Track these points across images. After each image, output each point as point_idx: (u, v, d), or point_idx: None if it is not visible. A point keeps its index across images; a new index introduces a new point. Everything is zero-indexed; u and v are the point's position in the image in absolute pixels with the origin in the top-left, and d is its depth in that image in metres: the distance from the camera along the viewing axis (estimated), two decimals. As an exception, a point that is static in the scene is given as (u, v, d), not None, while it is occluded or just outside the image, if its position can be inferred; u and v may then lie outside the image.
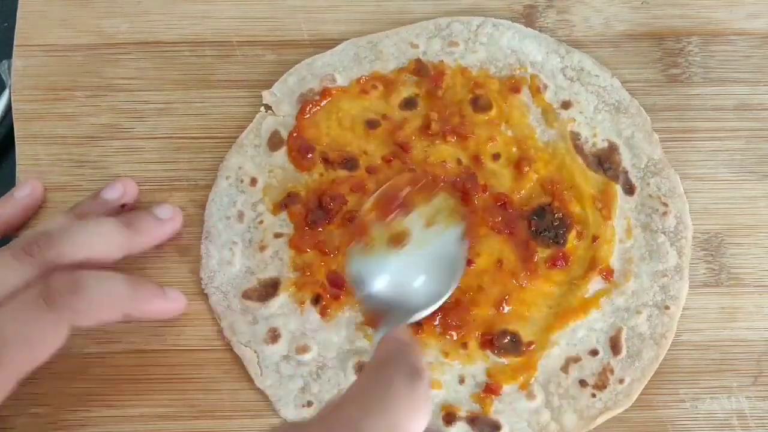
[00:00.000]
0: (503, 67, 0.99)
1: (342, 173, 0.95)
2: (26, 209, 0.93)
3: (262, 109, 0.98)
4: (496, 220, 0.93)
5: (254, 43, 1.01)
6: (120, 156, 0.97)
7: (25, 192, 0.93)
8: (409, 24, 1.01)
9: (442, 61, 0.99)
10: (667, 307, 0.90)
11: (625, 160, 0.95)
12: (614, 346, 0.89)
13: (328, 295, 0.91)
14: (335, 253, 0.92)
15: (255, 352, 0.89)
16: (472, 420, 0.87)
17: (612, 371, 0.88)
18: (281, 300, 0.91)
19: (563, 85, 0.98)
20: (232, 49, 1.01)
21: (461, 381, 0.88)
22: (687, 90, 0.99)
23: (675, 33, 1.01)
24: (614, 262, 0.92)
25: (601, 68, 0.99)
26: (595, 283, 0.91)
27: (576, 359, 0.89)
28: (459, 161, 0.95)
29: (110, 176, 0.96)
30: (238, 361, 0.90)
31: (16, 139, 0.98)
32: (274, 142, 0.97)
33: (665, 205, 0.93)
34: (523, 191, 0.94)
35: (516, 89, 0.98)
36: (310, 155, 0.95)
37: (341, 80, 0.99)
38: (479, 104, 0.97)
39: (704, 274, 0.93)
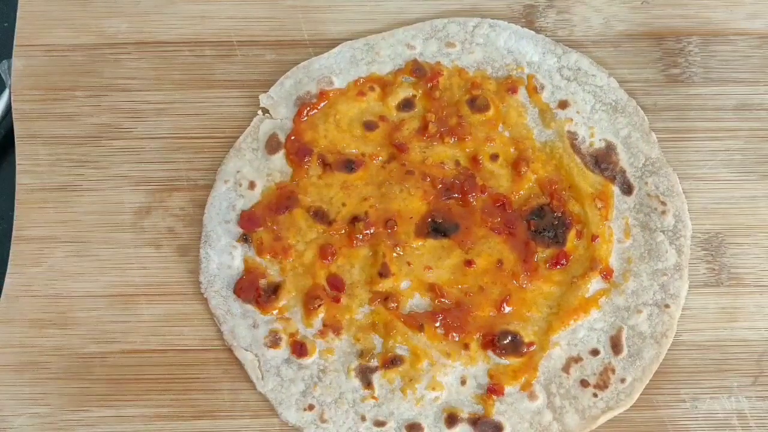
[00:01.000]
0: (500, 67, 0.99)
1: (340, 175, 0.95)
2: None
3: (260, 112, 0.98)
4: (496, 220, 0.93)
5: (254, 43, 1.01)
6: (120, 156, 0.97)
7: None
8: (410, 24, 1.01)
9: (438, 62, 0.99)
10: (667, 306, 0.90)
11: (623, 159, 0.95)
12: (615, 345, 0.89)
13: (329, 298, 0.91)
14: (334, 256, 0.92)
15: (256, 356, 0.89)
16: (474, 421, 0.87)
17: (613, 371, 0.88)
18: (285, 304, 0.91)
19: (560, 85, 0.98)
20: (232, 49, 1.01)
21: (463, 382, 0.88)
22: (687, 90, 0.99)
23: (675, 33, 1.01)
24: (613, 261, 0.92)
25: (598, 68, 0.99)
26: (595, 283, 0.91)
27: (577, 359, 0.89)
28: (457, 162, 0.95)
29: (110, 176, 0.96)
30: (238, 361, 0.90)
31: (16, 139, 0.97)
32: (272, 145, 0.96)
33: (664, 204, 0.93)
34: (522, 191, 0.94)
35: (513, 89, 0.98)
36: (307, 158, 0.95)
37: (338, 82, 0.99)
38: (476, 105, 0.97)
39: (704, 274, 0.93)
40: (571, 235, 0.93)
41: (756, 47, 1.01)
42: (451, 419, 0.87)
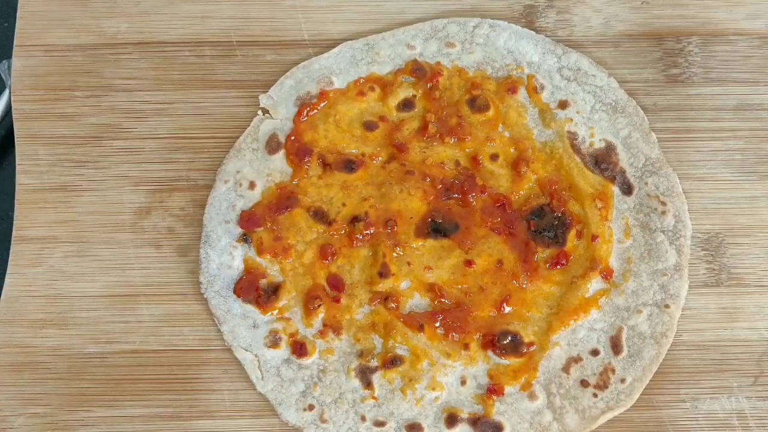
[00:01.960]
0: (500, 67, 0.99)
1: (340, 175, 0.95)
2: None
3: (260, 112, 0.98)
4: (496, 220, 0.93)
5: (254, 43, 1.01)
6: (120, 156, 0.97)
7: None
8: (410, 24, 1.01)
9: (438, 62, 0.99)
10: (667, 306, 0.90)
11: (623, 159, 0.95)
12: (615, 345, 0.89)
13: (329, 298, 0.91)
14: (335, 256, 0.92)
15: (256, 356, 0.89)
16: (474, 421, 0.87)
17: (613, 371, 0.88)
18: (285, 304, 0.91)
19: (560, 85, 0.98)
20: (232, 49, 1.01)
21: (463, 382, 0.88)
22: (687, 90, 0.99)
23: (675, 33, 1.01)
24: (613, 261, 0.92)
25: (598, 68, 0.99)
26: (595, 283, 0.91)
27: (577, 359, 0.89)
28: (457, 162, 0.95)
29: (110, 176, 0.96)
30: (238, 361, 0.90)
31: (16, 139, 0.98)
32: (272, 145, 0.96)
33: (664, 204, 0.93)
34: (522, 191, 0.94)
35: (513, 90, 0.98)
36: (307, 158, 0.95)
37: (338, 83, 0.99)
38: (476, 105, 0.97)
39: (704, 274, 0.93)
40: (571, 235, 0.93)
41: (756, 47, 1.01)
42: (451, 419, 0.87)
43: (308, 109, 0.97)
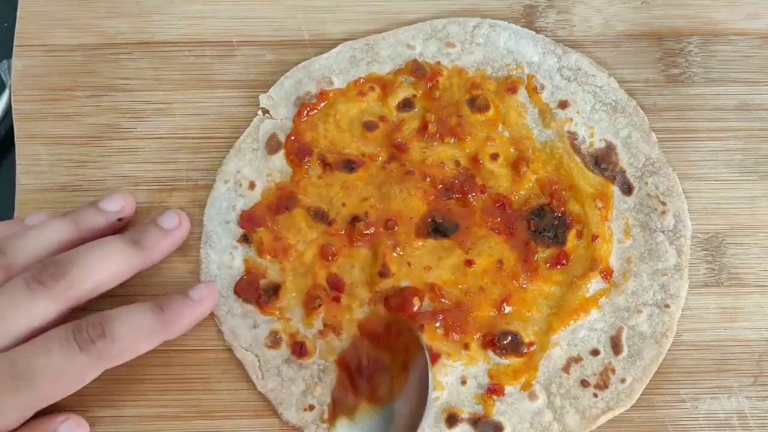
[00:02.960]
0: (500, 67, 0.99)
1: (340, 175, 0.95)
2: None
3: (260, 112, 0.98)
4: (496, 220, 0.93)
5: (254, 43, 1.01)
6: (120, 156, 0.97)
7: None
8: (410, 24, 1.01)
9: (438, 62, 0.99)
10: (667, 306, 0.90)
11: (623, 159, 0.95)
12: (615, 345, 0.89)
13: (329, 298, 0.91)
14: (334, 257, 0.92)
15: (256, 356, 0.89)
16: (474, 421, 0.87)
17: (614, 371, 0.88)
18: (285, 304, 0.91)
19: (560, 85, 0.98)
20: (232, 49, 1.01)
21: (463, 382, 0.88)
22: (687, 90, 0.99)
23: (675, 33, 1.01)
24: (613, 261, 0.92)
25: (598, 68, 0.99)
26: (595, 283, 0.91)
27: (577, 359, 0.89)
28: (457, 162, 0.95)
29: (110, 176, 0.96)
30: (238, 361, 0.90)
31: (16, 139, 0.97)
32: (272, 145, 0.96)
33: (664, 204, 0.93)
34: (522, 191, 0.94)
35: (513, 90, 0.98)
36: (308, 158, 0.95)
37: (338, 83, 0.99)
38: (476, 105, 0.97)
39: (704, 274, 0.93)
40: (572, 235, 0.93)
41: (756, 47, 1.01)
42: (452, 419, 0.87)
43: (308, 109, 0.97)
